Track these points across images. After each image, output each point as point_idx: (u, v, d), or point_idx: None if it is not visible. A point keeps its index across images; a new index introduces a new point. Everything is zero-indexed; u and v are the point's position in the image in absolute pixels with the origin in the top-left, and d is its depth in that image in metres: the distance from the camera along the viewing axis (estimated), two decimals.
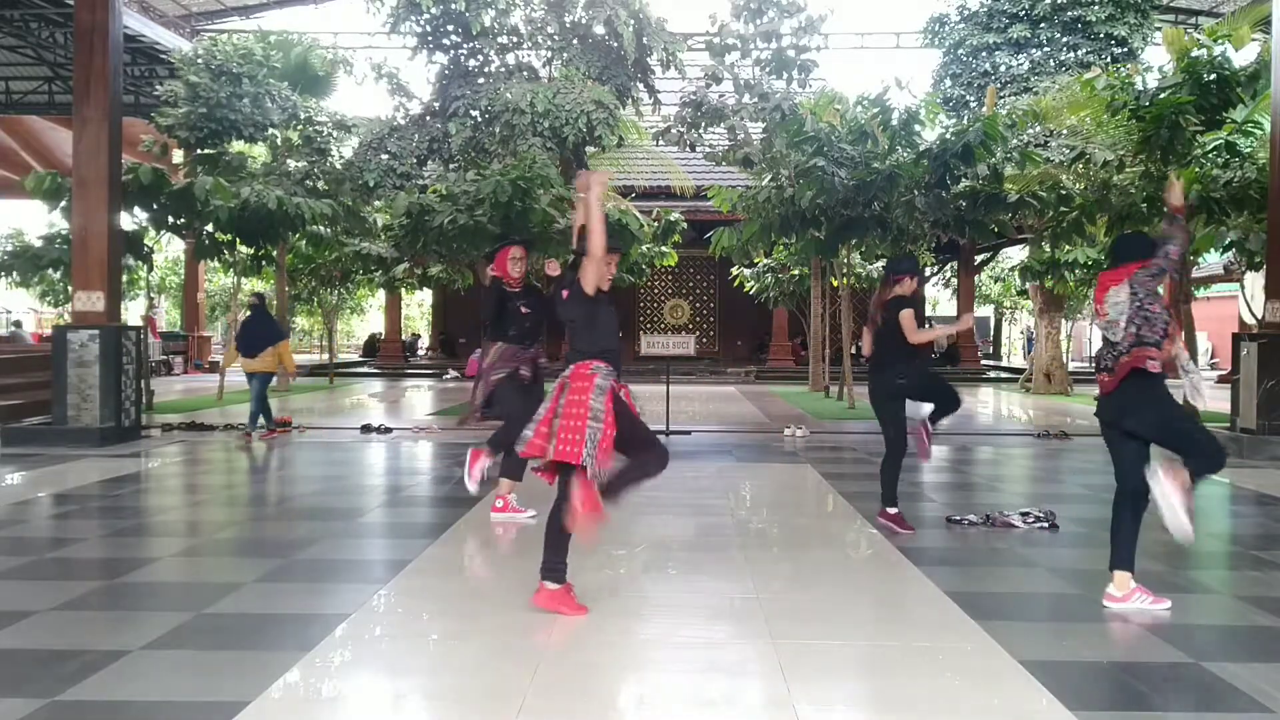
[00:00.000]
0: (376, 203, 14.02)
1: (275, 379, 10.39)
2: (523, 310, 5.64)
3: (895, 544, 5.13)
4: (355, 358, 28.66)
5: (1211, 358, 28.96)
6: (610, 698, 3.09)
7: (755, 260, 18.00)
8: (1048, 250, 14.85)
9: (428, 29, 12.46)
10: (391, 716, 2.97)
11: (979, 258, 26.56)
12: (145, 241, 12.30)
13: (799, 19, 12.17)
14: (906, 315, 5.41)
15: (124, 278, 12.82)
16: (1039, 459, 8.85)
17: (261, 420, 9.78)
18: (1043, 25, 23.38)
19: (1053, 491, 7.05)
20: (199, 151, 13.56)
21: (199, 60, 13.58)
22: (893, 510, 5.56)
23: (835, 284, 16.34)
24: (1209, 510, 6.79)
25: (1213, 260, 22.03)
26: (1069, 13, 23.07)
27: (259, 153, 16.18)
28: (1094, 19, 22.91)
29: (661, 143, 13.73)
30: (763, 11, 12.07)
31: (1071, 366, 20.49)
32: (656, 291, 25.40)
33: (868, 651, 3.48)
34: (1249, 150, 11.00)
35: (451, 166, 12.47)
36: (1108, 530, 4.06)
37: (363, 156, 12.78)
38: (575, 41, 12.61)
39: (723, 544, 5.14)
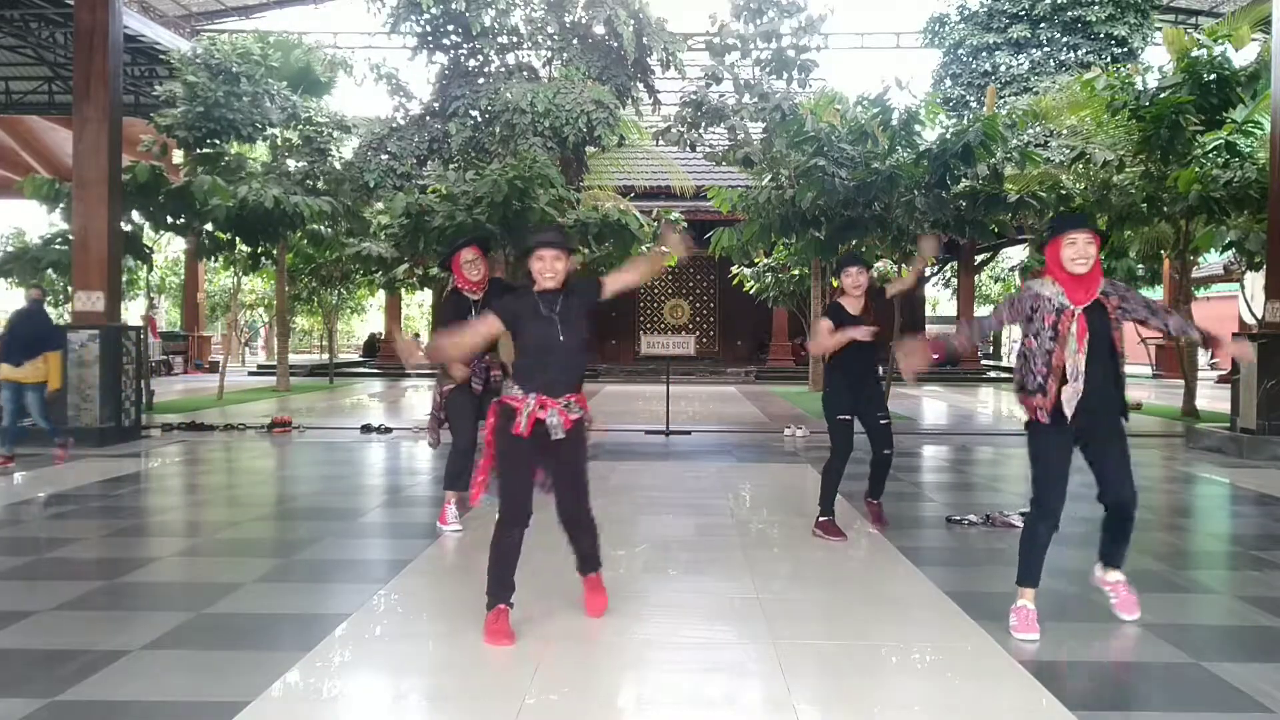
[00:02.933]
0: (378, 205, 14.02)
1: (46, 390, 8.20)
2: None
3: (895, 544, 5.13)
4: (355, 358, 28.65)
5: (1212, 358, 28.94)
6: (610, 698, 3.09)
7: (755, 260, 18.01)
8: None
9: (428, 29, 12.45)
10: (391, 716, 2.97)
11: (979, 258, 26.57)
12: (145, 241, 12.31)
13: (799, 19, 12.16)
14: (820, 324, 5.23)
15: (124, 278, 12.81)
16: None
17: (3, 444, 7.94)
18: (1043, 25, 23.40)
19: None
20: (198, 151, 13.57)
21: (197, 60, 13.58)
22: (823, 519, 5.34)
23: (835, 284, 16.33)
24: (1209, 510, 6.80)
25: (1213, 260, 22.06)
26: (1069, 13, 23.09)
27: (259, 153, 16.18)
28: (1094, 19, 22.93)
29: (661, 143, 13.72)
30: (763, 11, 12.06)
31: None
32: (656, 291, 25.39)
33: (868, 651, 3.48)
34: (1249, 150, 11.02)
35: (451, 166, 12.46)
36: (1107, 530, 4.00)
37: (363, 157, 12.77)
38: (575, 41, 12.60)
39: (723, 544, 5.13)
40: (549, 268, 3.67)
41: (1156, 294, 25.28)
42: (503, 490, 3.64)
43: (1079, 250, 3.60)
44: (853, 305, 5.28)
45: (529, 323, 3.63)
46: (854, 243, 12.06)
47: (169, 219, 12.30)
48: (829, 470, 5.34)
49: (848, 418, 5.27)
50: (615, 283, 3.81)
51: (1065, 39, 23.27)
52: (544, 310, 3.63)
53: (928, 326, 29.43)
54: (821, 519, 5.37)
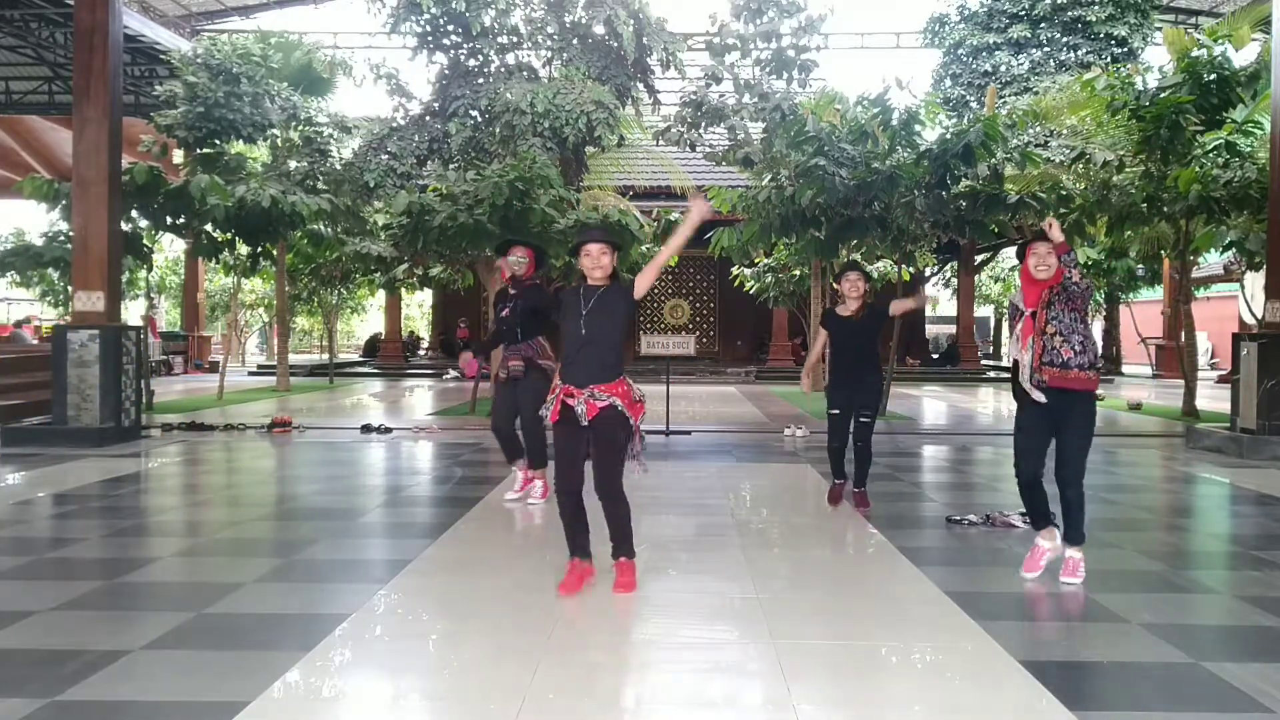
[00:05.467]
0: (376, 203, 14.02)
1: None
2: (501, 313, 5.81)
3: (895, 544, 5.13)
4: (355, 358, 28.65)
5: (1212, 358, 28.96)
6: (610, 698, 3.09)
7: (755, 260, 18.00)
8: None
9: (428, 29, 12.45)
10: (391, 716, 2.97)
11: (979, 258, 26.57)
12: (145, 241, 12.31)
13: (799, 19, 12.16)
14: None
15: (124, 278, 12.80)
16: None
17: None
18: (1043, 25, 23.41)
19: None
20: (198, 151, 13.57)
21: (198, 60, 13.58)
22: (838, 481, 6.07)
23: (836, 285, 16.34)
24: (1209, 510, 6.80)
25: (1213, 260, 22.06)
26: (1069, 13, 23.10)
27: (260, 153, 16.19)
28: (1094, 19, 22.94)
29: (661, 143, 13.72)
30: (763, 11, 12.05)
31: None
32: (656, 291, 25.39)
33: (868, 651, 3.48)
34: (1249, 150, 11.00)
35: (451, 166, 12.46)
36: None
37: (363, 157, 12.77)
38: (575, 41, 12.60)
39: (723, 544, 5.13)
40: (596, 263, 3.97)
41: (1156, 294, 25.30)
42: (554, 463, 4.14)
43: (1040, 259, 4.24)
44: (847, 309, 5.73)
45: (566, 316, 4.02)
46: (854, 242, 12.07)
47: (168, 219, 12.30)
48: (828, 451, 6.04)
49: (836, 412, 5.83)
50: (645, 279, 3.97)
51: (1065, 39, 23.28)
52: (579, 305, 3.96)
53: (928, 326, 29.50)
54: (833, 484, 6.12)
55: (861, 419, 5.76)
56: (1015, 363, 4.33)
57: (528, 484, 6.24)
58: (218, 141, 13.54)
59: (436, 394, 16.84)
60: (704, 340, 25.17)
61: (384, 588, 4.23)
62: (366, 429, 10.52)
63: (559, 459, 4.08)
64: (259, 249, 13.43)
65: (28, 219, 47.86)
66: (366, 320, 35.11)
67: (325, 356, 24.32)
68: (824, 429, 6.16)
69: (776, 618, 3.81)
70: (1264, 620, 3.87)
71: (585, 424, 3.96)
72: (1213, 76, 10.63)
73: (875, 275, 17.17)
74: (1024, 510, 5.79)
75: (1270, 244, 9.76)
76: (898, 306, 5.85)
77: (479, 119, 12.31)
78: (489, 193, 10.58)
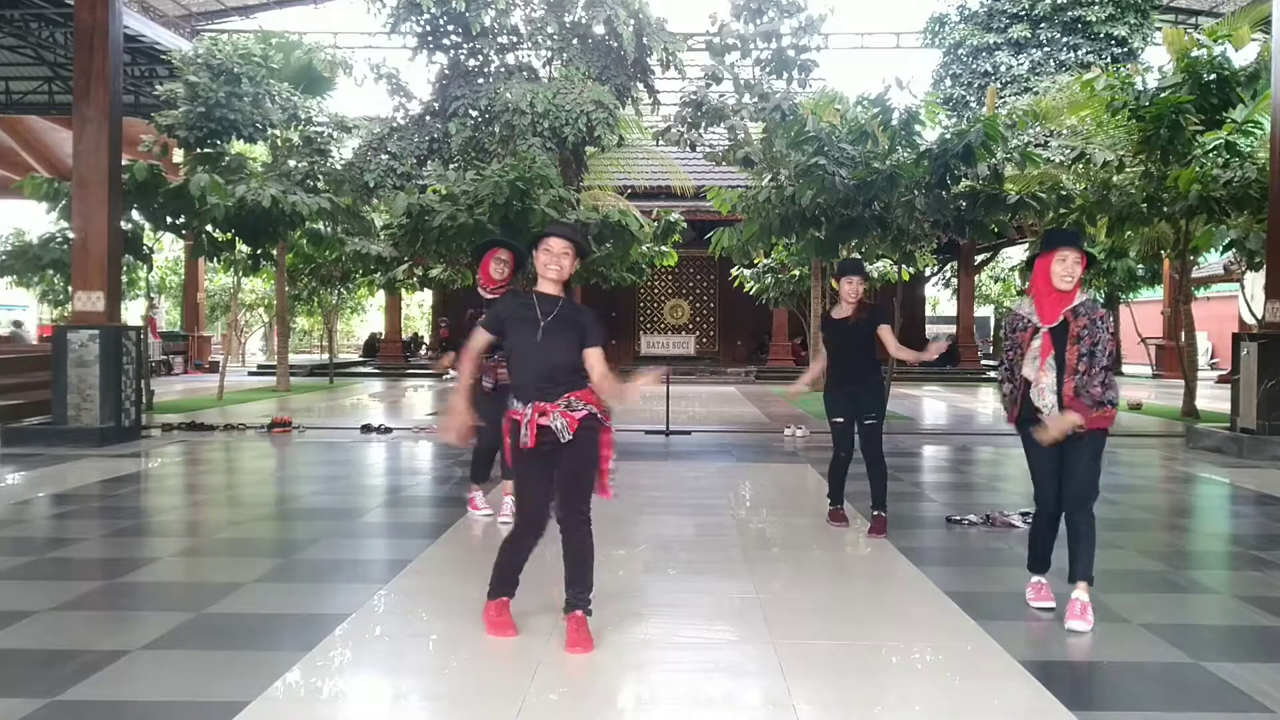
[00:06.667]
0: (374, 202, 14.01)
1: None
2: (467, 317, 5.54)
3: (895, 544, 5.13)
4: (355, 358, 28.66)
5: (1212, 358, 28.96)
6: (610, 698, 3.09)
7: (755, 260, 18.00)
8: None
9: (428, 29, 12.45)
10: (391, 716, 2.97)
11: (979, 258, 26.56)
12: (145, 241, 12.30)
13: (799, 19, 12.15)
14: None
15: (124, 278, 12.80)
16: None
17: None
18: (1043, 25, 23.42)
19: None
20: (198, 151, 13.57)
21: (199, 60, 13.58)
22: (830, 508, 5.69)
23: (835, 284, 16.33)
24: (1209, 510, 6.80)
25: (1213, 260, 22.07)
26: (1069, 13, 23.11)
27: (259, 153, 16.18)
28: (1094, 19, 22.95)
29: (661, 143, 13.72)
30: (763, 11, 12.05)
31: None
32: (656, 291, 25.39)
33: (868, 651, 3.48)
34: (1249, 150, 11.01)
35: (451, 166, 12.46)
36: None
37: (363, 157, 12.77)
38: (575, 41, 12.60)
39: (723, 544, 5.14)
40: (554, 261, 3.46)
41: (1156, 294, 25.30)
42: (518, 502, 3.62)
43: (1067, 268, 3.72)
44: (841, 312, 5.49)
45: (514, 325, 3.46)
46: (854, 242, 12.06)
47: (168, 219, 12.31)
48: (831, 466, 5.67)
49: (840, 420, 5.50)
50: (601, 364, 3.48)
51: (1065, 39, 23.28)
52: (530, 312, 3.44)
53: (928, 327, 29.50)
54: (829, 508, 5.72)
55: (867, 422, 5.42)
56: (1025, 381, 3.85)
57: (475, 506, 5.86)
58: (218, 141, 13.54)
59: (436, 394, 16.84)
60: (704, 340, 25.17)
61: (384, 588, 4.23)
62: (366, 429, 10.52)
63: (529, 497, 3.52)
64: (259, 249, 13.43)
65: (28, 219, 47.82)
66: (366, 320, 35.11)
67: (325, 356, 24.32)
68: (824, 429, 5.90)
69: (776, 618, 3.81)
70: (1264, 620, 3.87)
71: (567, 438, 3.39)
72: (1212, 76, 10.63)
73: (875, 275, 17.16)
74: (1025, 511, 5.82)
75: (1270, 244, 9.76)
76: (921, 355, 5.35)
77: (479, 119, 12.30)
78: (489, 193, 10.58)
